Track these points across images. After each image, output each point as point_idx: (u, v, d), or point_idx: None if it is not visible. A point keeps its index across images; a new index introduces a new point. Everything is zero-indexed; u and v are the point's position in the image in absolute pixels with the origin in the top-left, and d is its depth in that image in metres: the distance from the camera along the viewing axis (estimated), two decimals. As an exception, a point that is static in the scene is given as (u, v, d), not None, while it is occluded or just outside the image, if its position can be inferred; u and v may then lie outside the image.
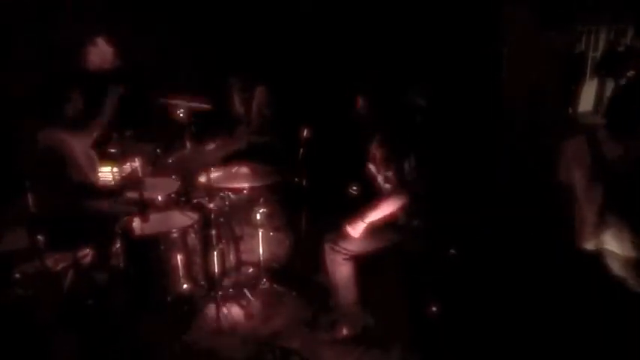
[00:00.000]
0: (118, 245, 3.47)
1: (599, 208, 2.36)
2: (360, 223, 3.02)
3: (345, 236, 3.08)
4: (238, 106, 4.93)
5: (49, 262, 3.36)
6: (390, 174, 3.01)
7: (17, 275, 3.39)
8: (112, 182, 3.79)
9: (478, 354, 2.91)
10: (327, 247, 3.15)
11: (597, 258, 2.40)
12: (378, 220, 3.00)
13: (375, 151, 3.08)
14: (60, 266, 3.36)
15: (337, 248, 3.08)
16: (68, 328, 3.13)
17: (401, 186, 2.95)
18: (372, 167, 3.15)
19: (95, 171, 3.62)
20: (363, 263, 3.12)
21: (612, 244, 2.35)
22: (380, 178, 3.10)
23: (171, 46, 5.19)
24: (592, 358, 2.43)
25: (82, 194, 3.42)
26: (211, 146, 3.56)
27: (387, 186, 3.04)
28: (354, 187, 3.55)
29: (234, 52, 5.37)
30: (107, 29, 3.87)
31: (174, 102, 3.65)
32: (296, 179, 3.80)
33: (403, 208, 3.01)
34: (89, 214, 3.45)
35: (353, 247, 3.07)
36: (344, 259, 3.08)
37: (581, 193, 2.44)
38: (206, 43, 5.42)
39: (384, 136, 3.05)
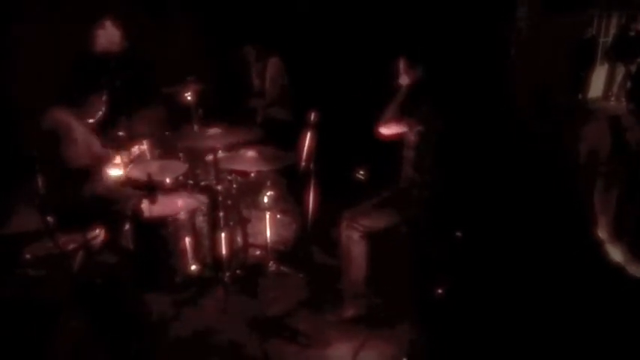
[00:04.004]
0: (127, 227, 3.50)
1: (619, 196, 2.34)
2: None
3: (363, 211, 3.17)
4: (254, 77, 4.90)
5: (60, 242, 3.39)
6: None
7: (28, 256, 3.43)
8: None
9: (484, 336, 2.92)
10: (344, 223, 3.19)
11: (602, 246, 2.39)
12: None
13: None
14: (70, 247, 3.40)
15: (355, 225, 3.12)
16: (77, 308, 3.17)
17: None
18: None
19: (91, 158, 3.61)
20: (374, 243, 3.15)
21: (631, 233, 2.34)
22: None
23: (182, 24, 5.17)
24: (597, 344, 2.45)
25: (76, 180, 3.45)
26: (217, 131, 3.55)
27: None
28: (361, 172, 3.56)
29: (247, 24, 5.29)
30: (114, 11, 3.86)
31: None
32: (304, 163, 3.81)
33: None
34: (98, 196, 3.48)
35: (370, 223, 3.11)
36: (360, 236, 3.12)
37: (601, 179, 2.41)
38: (219, 15, 5.37)
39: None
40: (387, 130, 3.22)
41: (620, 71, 9.36)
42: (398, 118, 3.18)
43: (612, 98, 9.73)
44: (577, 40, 8.78)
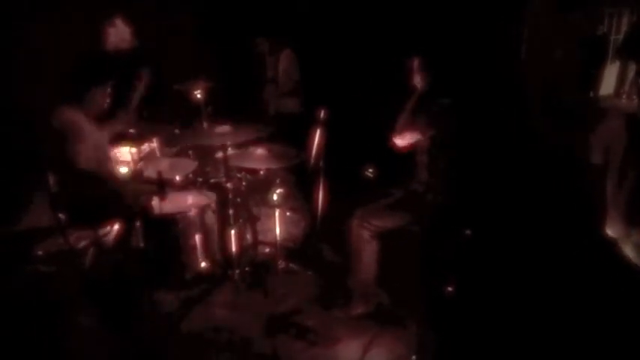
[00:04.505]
0: (137, 224, 3.51)
1: (631, 195, 2.32)
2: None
3: (374, 211, 3.16)
4: (268, 70, 4.91)
5: (71, 239, 3.42)
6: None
7: (39, 252, 3.46)
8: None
9: (494, 334, 2.91)
10: (354, 223, 3.18)
11: (616, 244, 2.37)
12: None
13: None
14: (81, 244, 3.42)
15: (366, 225, 3.12)
16: (87, 305, 3.19)
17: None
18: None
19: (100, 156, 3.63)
20: (385, 242, 3.15)
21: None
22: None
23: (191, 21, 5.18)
24: (608, 342, 2.43)
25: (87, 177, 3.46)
26: (226, 128, 3.55)
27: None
28: (370, 170, 3.56)
29: (258, 20, 5.30)
30: (124, 8, 3.88)
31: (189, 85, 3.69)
32: (313, 161, 3.81)
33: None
34: (108, 193, 3.49)
35: (381, 223, 3.11)
36: (371, 236, 3.12)
37: (614, 177, 2.40)
38: (229, 11, 5.38)
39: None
40: (402, 140, 3.19)
41: (632, 69, 9.28)
42: (411, 125, 3.15)
43: (624, 96, 9.65)
44: (588, 38, 8.72)
